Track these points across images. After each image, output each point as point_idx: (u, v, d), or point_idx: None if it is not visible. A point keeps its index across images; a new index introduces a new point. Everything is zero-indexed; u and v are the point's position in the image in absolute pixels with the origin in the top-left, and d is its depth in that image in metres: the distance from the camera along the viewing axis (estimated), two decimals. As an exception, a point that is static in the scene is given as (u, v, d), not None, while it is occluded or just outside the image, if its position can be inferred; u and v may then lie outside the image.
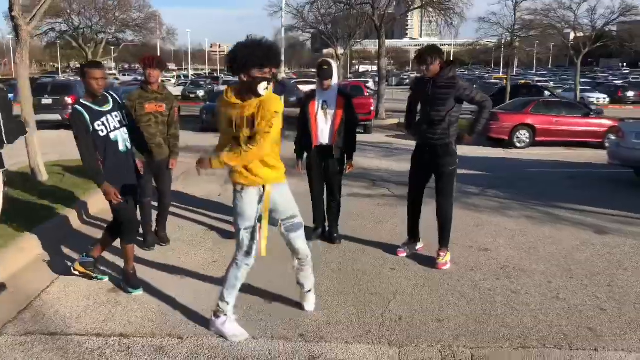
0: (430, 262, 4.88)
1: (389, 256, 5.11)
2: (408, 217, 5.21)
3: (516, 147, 14.30)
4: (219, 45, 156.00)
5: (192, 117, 19.63)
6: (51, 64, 66.26)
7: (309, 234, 5.56)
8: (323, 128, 5.22)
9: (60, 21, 31.48)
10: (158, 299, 4.03)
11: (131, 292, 4.14)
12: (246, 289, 4.19)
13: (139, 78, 42.65)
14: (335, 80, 5.15)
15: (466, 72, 75.50)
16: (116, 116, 4.00)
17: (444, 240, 4.91)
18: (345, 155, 5.42)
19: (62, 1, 29.25)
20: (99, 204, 6.13)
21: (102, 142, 3.90)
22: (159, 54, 46.32)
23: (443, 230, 4.90)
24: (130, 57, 65.15)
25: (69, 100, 16.23)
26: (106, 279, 4.37)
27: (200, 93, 32.02)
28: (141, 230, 5.07)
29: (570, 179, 9.67)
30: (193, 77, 45.48)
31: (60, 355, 3.21)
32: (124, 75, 55.77)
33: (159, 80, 5.12)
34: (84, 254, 4.40)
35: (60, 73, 57.49)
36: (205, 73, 70.45)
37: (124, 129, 4.05)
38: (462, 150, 12.95)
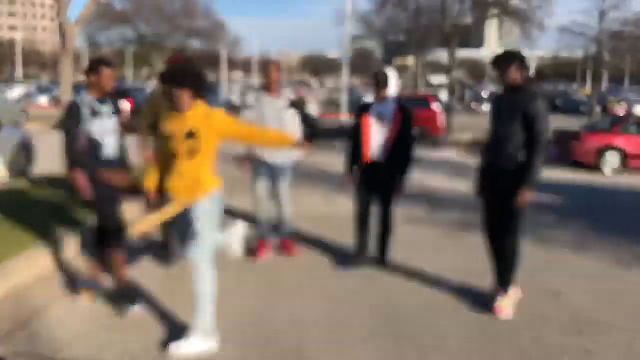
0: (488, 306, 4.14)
1: (440, 296, 4.41)
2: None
3: (603, 172, 12.86)
4: (286, 54, 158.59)
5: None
6: (121, 70, 69.80)
7: (349, 261, 4.99)
8: (376, 143, 4.73)
9: (128, 29, 32.79)
10: (163, 327, 3.60)
11: (133, 308, 3.79)
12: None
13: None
14: (392, 91, 4.70)
15: (549, 87, 71.78)
16: (113, 122, 3.79)
17: (503, 280, 4.16)
18: (399, 176, 4.85)
19: (130, 9, 30.41)
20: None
21: (93, 143, 3.67)
22: (226, 62, 47.37)
23: (504, 267, 4.16)
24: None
25: (126, 104, 16.71)
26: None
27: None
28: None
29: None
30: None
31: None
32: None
33: None
34: (85, 279, 4.13)
35: (131, 79, 59.93)
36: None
37: (116, 136, 3.82)
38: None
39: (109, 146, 3.75)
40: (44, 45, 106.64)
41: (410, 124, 4.78)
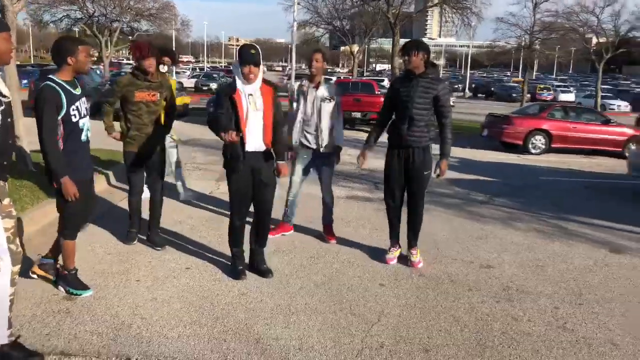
0: (426, 278, 4.45)
1: (380, 269, 4.66)
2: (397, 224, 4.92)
3: (531, 153, 13.73)
4: (237, 39, 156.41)
5: (203, 109, 19.77)
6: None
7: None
8: (254, 129, 4.08)
9: (75, 8, 31.27)
10: (115, 310, 3.62)
11: (80, 294, 3.78)
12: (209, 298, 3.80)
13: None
14: (262, 70, 4.10)
15: (484, 75, 74.34)
16: (84, 102, 3.65)
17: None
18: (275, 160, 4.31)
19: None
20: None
21: (71, 128, 3.53)
22: (174, 45, 46.33)
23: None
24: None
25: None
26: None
27: (213, 85, 31.67)
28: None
29: (586, 189, 9.14)
30: (208, 69, 45.19)
31: (-13, 375, 2.82)
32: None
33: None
34: (43, 255, 4.03)
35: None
36: (222, 66, 70.32)
37: (87, 118, 3.69)
38: (473, 154, 12.80)
39: (84, 130, 3.63)
40: None
41: (278, 101, 4.21)
